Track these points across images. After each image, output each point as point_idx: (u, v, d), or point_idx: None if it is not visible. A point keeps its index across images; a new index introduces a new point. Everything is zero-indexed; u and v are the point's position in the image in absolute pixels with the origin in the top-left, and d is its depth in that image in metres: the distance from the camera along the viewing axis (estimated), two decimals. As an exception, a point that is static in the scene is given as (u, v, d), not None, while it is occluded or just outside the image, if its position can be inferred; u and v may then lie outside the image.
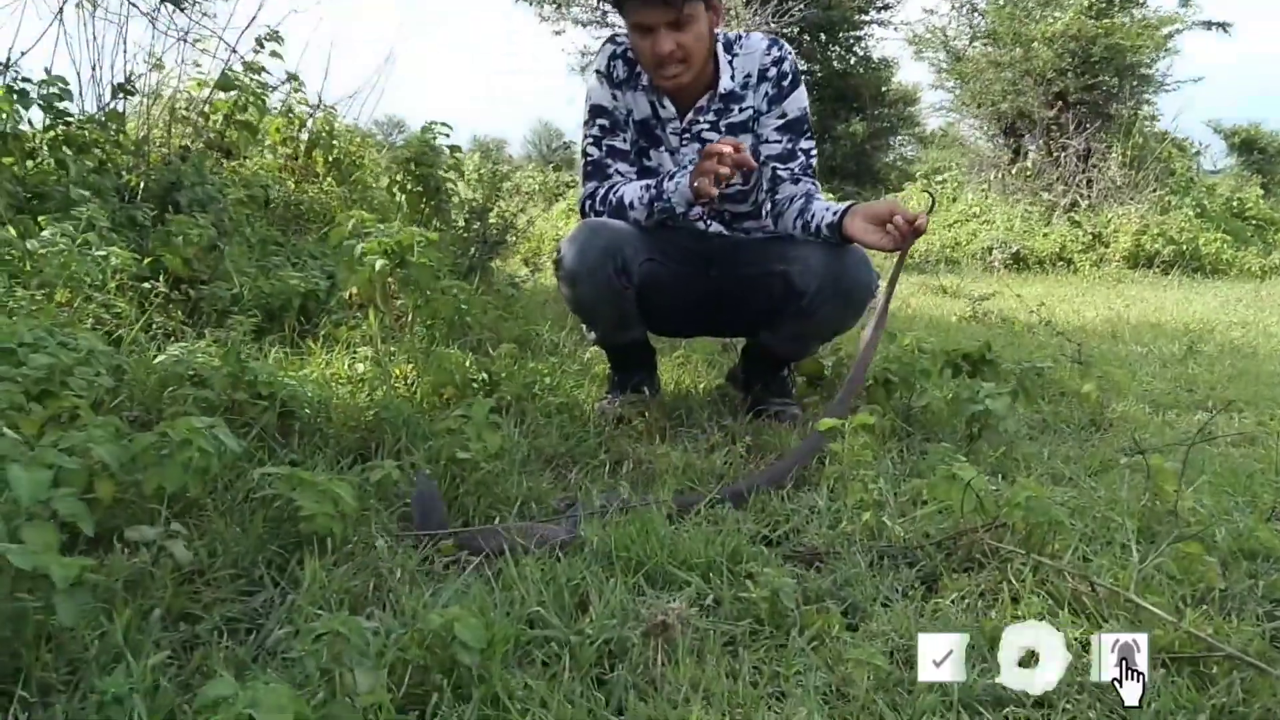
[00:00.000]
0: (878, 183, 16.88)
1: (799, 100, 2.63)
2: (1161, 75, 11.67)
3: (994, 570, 1.66)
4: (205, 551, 1.50)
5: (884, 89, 18.20)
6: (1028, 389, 2.62)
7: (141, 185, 3.48)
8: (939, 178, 12.48)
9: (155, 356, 2.26)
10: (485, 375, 2.48)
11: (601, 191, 2.64)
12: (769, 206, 2.68)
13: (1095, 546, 1.82)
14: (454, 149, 4.55)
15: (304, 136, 4.60)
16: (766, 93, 2.60)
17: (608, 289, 2.52)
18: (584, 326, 2.76)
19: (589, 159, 2.68)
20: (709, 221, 2.74)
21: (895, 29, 17.07)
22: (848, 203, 2.49)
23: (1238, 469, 2.48)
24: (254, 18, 4.24)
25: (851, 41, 17.27)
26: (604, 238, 2.51)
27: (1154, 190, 10.05)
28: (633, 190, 2.60)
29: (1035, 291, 6.95)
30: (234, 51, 4.23)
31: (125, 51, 4.07)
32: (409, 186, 4.33)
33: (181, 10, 4.40)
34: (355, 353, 2.58)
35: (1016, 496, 1.74)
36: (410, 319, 2.68)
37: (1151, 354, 4.30)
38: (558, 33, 17.07)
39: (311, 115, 4.64)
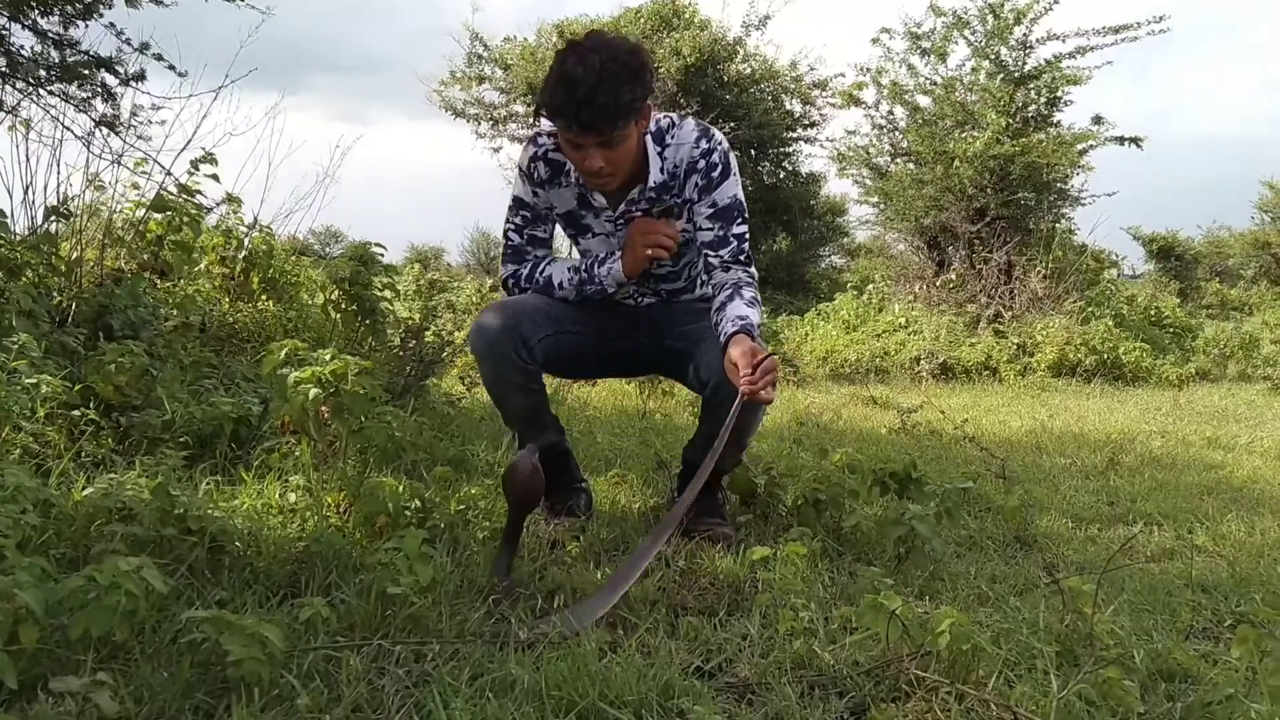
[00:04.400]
0: (809, 292, 17.22)
1: (729, 189, 2.66)
2: (1078, 190, 12.16)
3: (921, 700, 1.70)
4: (131, 699, 1.48)
5: (812, 202, 18.70)
6: (951, 511, 2.68)
7: (73, 308, 3.48)
8: (868, 286, 12.75)
9: (84, 488, 2.24)
10: (418, 503, 2.48)
11: (525, 271, 2.82)
12: (705, 289, 2.80)
13: (1018, 671, 1.86)
14: (389, 269, 4.59)
15: (241, 255, 4.62)
16: (697, 183, 2.65)
17: (511, 365, 2.67)
18: (510, 433, 2.87)
19: (510, 244, 2.84)
20: (640, 299, 2.87)
21: (822, 145, 17.57)
22: (740, 324, 2.51)
23: (1156, 586, 2.55)
24: (189, 140, 4.30)
25: (780, 157, 17.76)
26: (505, 314, 2.69)
27: (1075, 301, 10.38)
28: (560, 272, 2.78)
29: (962, 401, 7.10)
30: (168, 174, 4.27)
31: (59, 173, 4.10)
32: (344, 306, 4.35)
33: (116, 134, 4.45)
34: (287, 481, 2.57)
35: (940, 624, 1.78)
36: (344, 446, 2.68)
37: (1074, 466, 4.41)
38: (495, 149, 17.39)
39: (248, 234, 4.67)
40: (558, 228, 2.87)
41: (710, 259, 2.69)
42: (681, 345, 2.79)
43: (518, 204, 2.79)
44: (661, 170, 2.65)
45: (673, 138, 2.65)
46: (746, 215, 2.72)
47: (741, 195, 2.71)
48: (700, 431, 2.84)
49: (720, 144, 2.67)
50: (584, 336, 2.81)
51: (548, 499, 2.88)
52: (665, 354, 2.87)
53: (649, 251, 2.67)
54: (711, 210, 2.67)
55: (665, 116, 2.68)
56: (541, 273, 2.81)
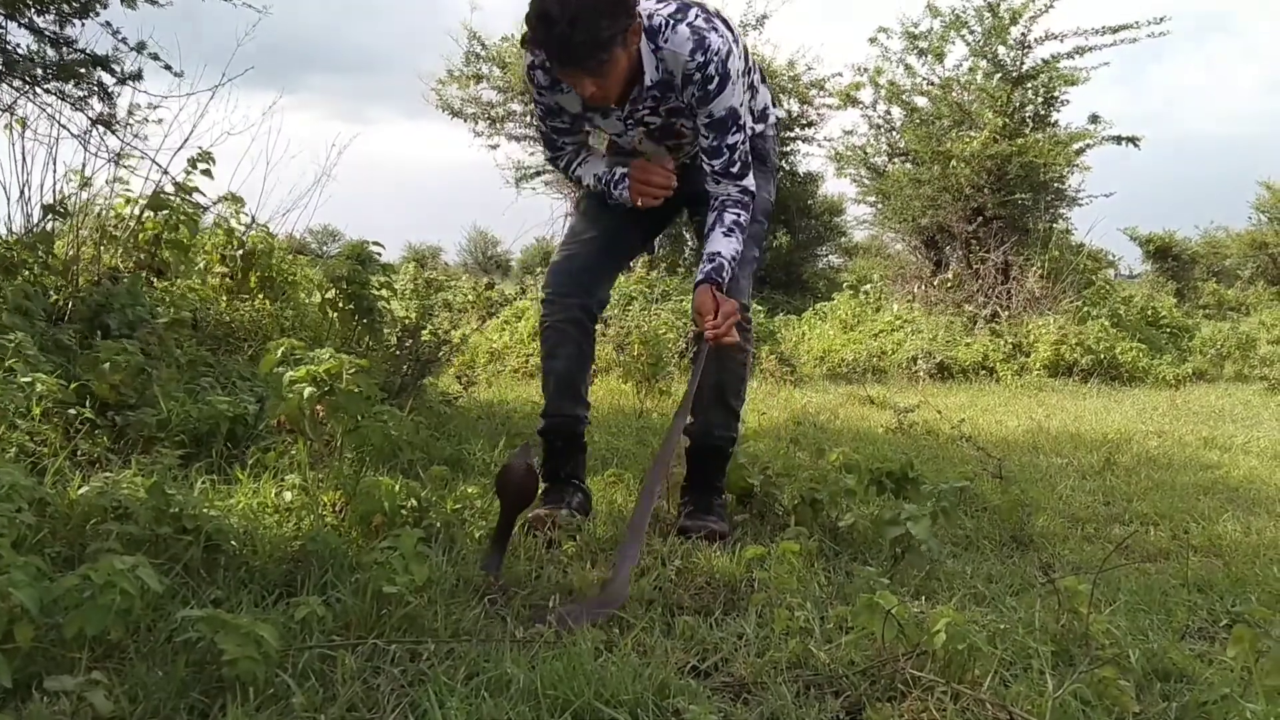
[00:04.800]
0: (806, 291, 17.19)
1: (725, 100, 2.64)
2: (1074, 190, 12.17)
3: (916, 699, 1.69)
4: (126, 699, 1.48)
5: (810, 201, 18.67)
6: (948, 511, 2.68)
7: (69, 306, 3.47)
8: (865, 287, 12.73)
9: (79, 487, 2.24)
10: (415, 502, 2.48)
11: (562, 163, 2.98)
12: None
13: (1014, 671, 1.86)
14: (387, 267, 4.59)
15: (238, 254, 4.60)
16: (694, 93, 2.64)
17: (571, 317, 2.87)
18: (543, 387, 2.99)
19: (540, 131, 2.94)
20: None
21: (820, 145, 17.52)
22: (706, 270, 2.69)
23: (1152, 586, 2.55)
24: (186, 139, 4.30)
25: (778, 156, 17.70)
26: (575, 264, 2.93)
27: (1071, 301, 10.38)
28: (588, 176, 2.92)
29: (959, 401, 7.10)
30: (165, 173, 4.26)
31: (55, 172, 4.09)
32: (341, 305, 4.35)
33: (113, 132, 4.44)
34: (283, 480, 2.57)
35: (936, 624, 1.78)
36: (339, 445, 2.68)
37: (1070, 466, 4.41)
38: (492, 147, 17.33)
39: (245, 232, 4.65)
40: None
41: (704, 165, 2.76)
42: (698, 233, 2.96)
43: (535, 100, 2.86)
44: (657, 69, 2.63)
45: (666, 41, 2.59)
46: (741, 122, 2.72)
47: (738, 103, 2.69)
48: (698, 388, 2.96)
49: (716, 54, 2.59)
50: (630, 236, 3.05)
51: (551, 483, 2.89)
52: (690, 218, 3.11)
53: (639, 202, 2.81)
54: (708, 120, 2.68)
55: (657, 13, 2.61)
56: (573, 171, 2.95)
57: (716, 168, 2.73)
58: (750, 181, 2.78)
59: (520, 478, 2.29)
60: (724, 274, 2.68)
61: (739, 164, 2.74)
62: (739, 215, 2.75)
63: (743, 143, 2.73)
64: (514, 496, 2.31)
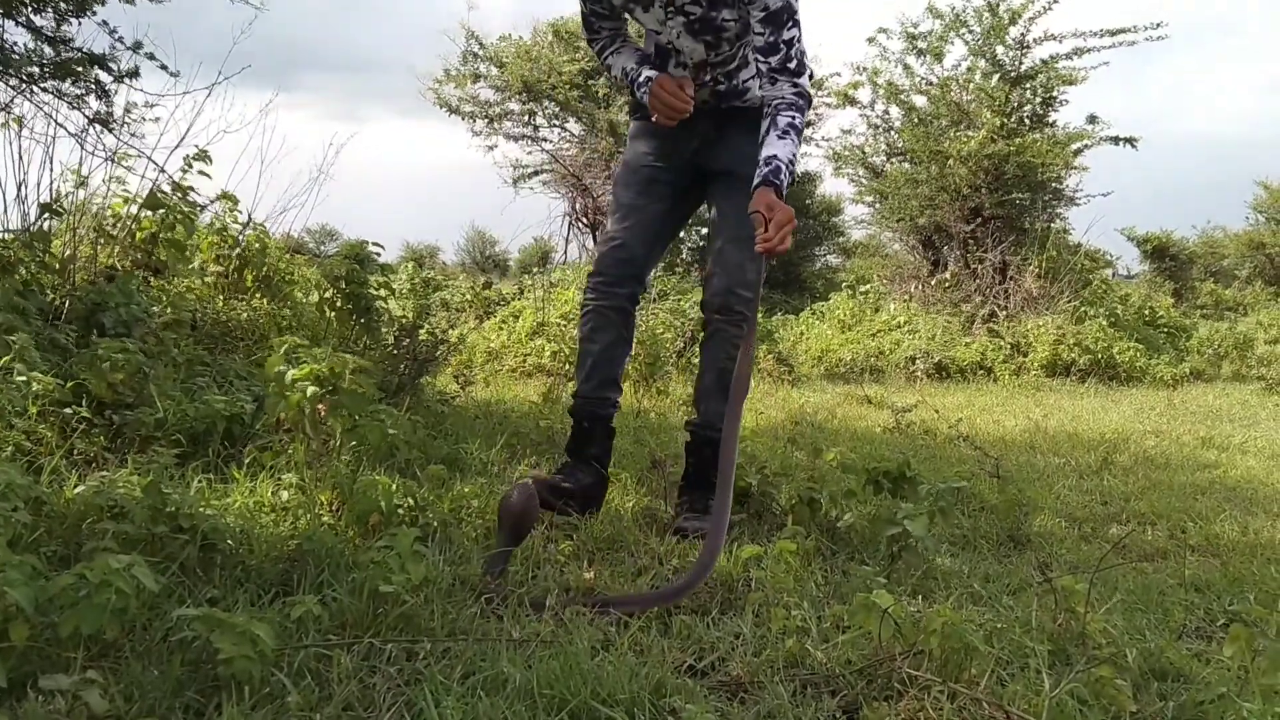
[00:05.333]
0: (804, 291, 17.21)
1: None
2: (1072, 190, 12.18)
3: (913, 699, 1.69)
4: (122, 697, 1.48)
5: (808, 201, 18.69)
6: (945, 510, 2.68)
7: (66, 305, 3.47)
8: (863, 287, 12.73)
9: (75, 486, 2.24)
10: (411, 501, 2.48)
11: (597, 47, 3.04)
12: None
13: (1011, 670, 1.86)
14: (385, 267, 4.58)
15: (234, 253, 4.60)
16: None
17: (618, 305, 2.93)
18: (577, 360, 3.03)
19: (582, 12, 3.00)
20: (699, 85, 2.93)
21: (818, 144, 17.53)
22: (763, 174, 2.66)
23: (1149, 585, 2.55)
24: (183, 138, 4.29)
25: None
26: (625, 255, 2.94)
27: (1069, 300, 10.38)
28: (618, 68, 2.98)
29: (957, 401, 7.10)
30: (162, 171, 4.26)
31: (52, 170, 4.09)
32: (339, 304, 4.34)
33: (110, 131, 4.44)
34: (280, 479, 2.56)
35: (932, 623, 1.78)
36: (338, 444, 2.67)
37: (1068, 465, 4.41)
38: (490, 147, 17.32)
39: (242, 232, 4.65)
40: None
41: (760, 65, 2.73)
42: (710, 218, 3.04)
43: None
44: None
45: None
46: (798, 17, 2.71)
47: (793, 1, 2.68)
48: (699, 377, 2.98)
49: None
50: (668, 221, 3.06)
51: (573, 459, 2.95)
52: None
53: (654, 118, 2.85)
54: (764, 14, 2.67)
55: None
56: (605, 57, 3.02)
57: (773, 64, 2.70)
58: (806, 82, 2.75)
59: (521, 506, 2.27)
60: (781, 176, 2.65)
61: (795, 61, 2.71)
62: (794, 118, 2.73)
63: (799, 39, 2.71)
64: (514, 529, 2.28)
